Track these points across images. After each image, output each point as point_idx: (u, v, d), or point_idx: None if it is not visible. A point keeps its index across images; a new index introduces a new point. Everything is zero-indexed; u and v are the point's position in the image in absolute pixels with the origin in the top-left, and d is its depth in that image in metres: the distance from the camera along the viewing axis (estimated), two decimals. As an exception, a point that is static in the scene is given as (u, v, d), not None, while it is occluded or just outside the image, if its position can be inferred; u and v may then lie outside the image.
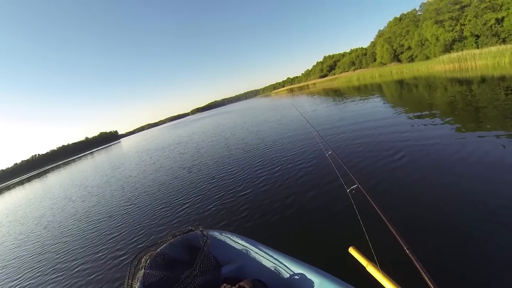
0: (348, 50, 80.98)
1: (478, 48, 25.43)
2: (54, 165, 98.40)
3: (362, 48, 69.54)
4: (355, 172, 2.68)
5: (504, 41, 25.18)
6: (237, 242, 2.75)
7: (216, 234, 2.96)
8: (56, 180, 26.70)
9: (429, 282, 1.21)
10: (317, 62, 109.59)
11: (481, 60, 20.21)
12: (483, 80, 12.99)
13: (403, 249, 1.42)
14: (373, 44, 59.02)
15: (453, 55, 23.90)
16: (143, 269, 2.45)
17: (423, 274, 1.24)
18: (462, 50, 26.87)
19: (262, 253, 2.45)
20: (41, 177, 43.02)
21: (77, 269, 5.04)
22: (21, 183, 48.55)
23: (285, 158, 7.59)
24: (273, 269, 2.27)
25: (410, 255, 1.37)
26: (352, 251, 1.74)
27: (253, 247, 2.58)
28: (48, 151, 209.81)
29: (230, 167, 8.44)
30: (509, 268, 2.37)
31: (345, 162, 2.93)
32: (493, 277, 2.35)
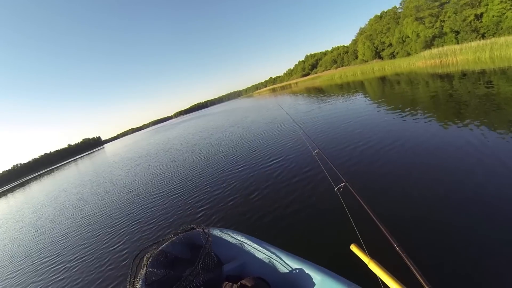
0: (329, 48, 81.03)
1: (458, 43, 25.39)
2: (36, 174, 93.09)
3: (343, 46, 69.53)
4: (343, 170, 2.78)
5: (483, 36, 25.29)
6: (239, 240, 2.69)
7: (218, 232, 2.92)
8: (51, 186, 24.90)
9: (420, 279, 1.20)
10: (299, 61, 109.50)
11: (462, 55, 20.02)
12: (464, 74, 13.13)
13: (393, 246, 1.39)
14: (355, 41, 59.21)
15: (434, 51, 23.57)
16: (145, 268, 2.40)
17: (414, 270, 1.24)
18: (442, 46, 26.75)
19: (264, 250, 2.40)
20: (24, 187, 41.06)
21: (78, 268, 5.06)
22: (4, 194, 45.03)
23: (273, 158, 7.63)
24: (275, 266, 2.24)
25: (400, 252, 1.36)
26: (354, 248, 1.71)
27: (254, 245, 2.52)
28: (30, 159, 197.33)
29: (220, 170, 8.33)
30: (499, 263, 2.35)
31: (332, 160, 2.89)
32: (482, 270, 2.32)
